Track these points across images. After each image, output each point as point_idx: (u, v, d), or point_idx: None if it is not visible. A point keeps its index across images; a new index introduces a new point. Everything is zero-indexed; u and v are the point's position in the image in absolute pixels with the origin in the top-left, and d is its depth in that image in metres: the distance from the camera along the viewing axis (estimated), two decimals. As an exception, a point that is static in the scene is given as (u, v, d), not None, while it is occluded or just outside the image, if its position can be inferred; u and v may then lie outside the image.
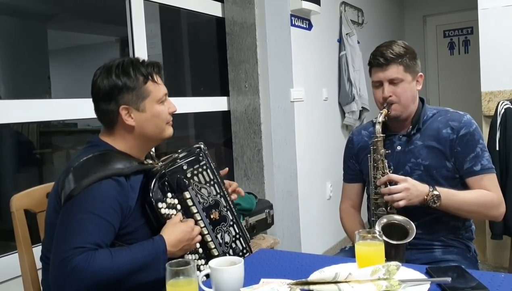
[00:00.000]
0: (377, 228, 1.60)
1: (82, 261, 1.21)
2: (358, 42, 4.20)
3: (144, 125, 1.43)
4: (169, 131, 1.50)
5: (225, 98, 3.21)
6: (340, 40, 4.06)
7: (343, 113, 4.11)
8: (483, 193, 1.69)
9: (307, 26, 3.62)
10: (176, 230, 1.39)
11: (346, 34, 4.05)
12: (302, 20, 3.54)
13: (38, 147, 2.27)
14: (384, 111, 1.72)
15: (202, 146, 1.56)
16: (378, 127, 1.71)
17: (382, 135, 1.72)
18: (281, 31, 3.19)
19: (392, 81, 1.73)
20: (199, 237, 1.46)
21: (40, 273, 1.51)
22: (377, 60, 1.73)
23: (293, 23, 3.41)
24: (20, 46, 2.22)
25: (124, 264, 1.26)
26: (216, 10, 3.16)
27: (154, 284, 1.30)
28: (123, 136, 1.44)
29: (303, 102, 3.49)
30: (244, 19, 3.06)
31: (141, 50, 2.58)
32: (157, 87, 1.45)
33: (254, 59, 3.04)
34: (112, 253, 1.26)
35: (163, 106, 1.46)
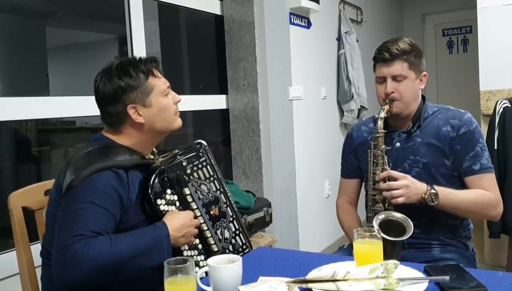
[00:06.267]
0: (375, 223, 1.60)
1: (81, 248, 1.22)
2: (357, 41, 4.20)
3: (153, 120, 1.45)
4: (178, 122, 1.53)
5: (223, 96, 3.21)
6: (339, 39, 4.06)
7: (341, 112, 4.11)
8: (481, 193, 1.69)
9: (306, 25, 3.62)
10: (178, 216, 1.41)
11: (345, 32, 4.05)
12: (301, 18, 3.54)
13: (36, 144, 2.26)
14: (386, 107, 1.72)
15: (203, 143, 1.57)
16: (380, 123, 1.71)
17: (383, 131, 1.71)
18: (280, 29, 3.19)
19: (395, 78, 1.72)
20: (197, 230, 1.47)
21: (38, 270, 1.51)
22: (382, 55, 1.73)
23: (292, 21, 3.40)
24: (18, 43, 2.21)
25: (124, 250, 1.27)
26: (214, 8, 3.16)
27: (159, 270, 1.31)
28: (131, 134, 1.46)
29: (302, 100, 3.49)
30: (243, 17, 3.06)
31: (139, 48, 2.58)
32: (159, 81, 1.47)
33: (252, 57, 3.04)
34: (111, 239, 1.27)
35: (168, 99, 1.49)
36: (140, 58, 1.47)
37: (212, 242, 1.51)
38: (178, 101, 1.53)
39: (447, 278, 1.15)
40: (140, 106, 1.43)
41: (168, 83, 1.50)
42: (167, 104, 1.47)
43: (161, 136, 1.55)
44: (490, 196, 1.69)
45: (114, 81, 1.41)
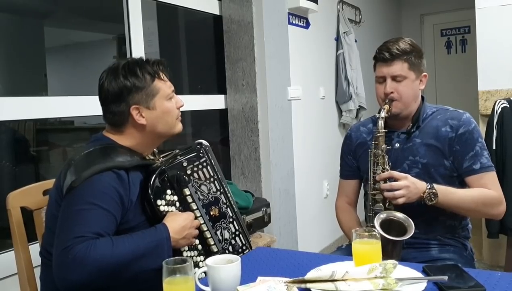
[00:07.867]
0: (376, 223, 1.60)
1: (82, 249, 1.21)
2: (356, 41, 4.20)
3: (155, 123, 1.45)
4: (179, 126, 1.53)
5: (222, 96, 3.21)
6: (338, 39, 4.06)
7: (340, 112, 4.11)
8: (482, 191, 1.69)
9: (305, 25, 3.62)
10: (179, 218, 1.41)
11: (344, 32, 4.05)
12: (300, 18, 3.54)
13: (35, 144, 2.26)
14: (387, 107, 1.72)
15: (203, 143, 1.57)
16: (381, 122, 1.71)
17: (384, 130, 1.71)
18: (279, 29, 3.19)
19: (395, 78, 1.72)
20: (197, 232, 1.47)
21: (37, 270, 1.50)
22: (383, 55, 1.73)
23: (291, 21, 3.40)
24: (16, 43, 2.21)
25: (126, 252, 1.26)
26: (213, 8, 3.15)
27: (160, 271, 1.31)
28: (132, 135, 1.46)
29: (301, 100, 3.49)
30: (242, 17, 3.06)
31: (138, 48, 2.57)
32: (164, 84, 1.47)
33: (251, 57, 3.04)
34: (113, 241, 1.27)
35: (171, 103, 1.49)
36: (148, 59, 1.47)
37: (212, 242, 1.51)
38: (181, 106, 1.53)
39: (445, 278, 1.15)
40: (143, 107, 1.43)
41: (173, 87, 1.50)
42: (170, 108, 1.47)
43: (161, 140, 1.54)
44: (492, 193, 1.69)
45: (120, 80, 1.41)
